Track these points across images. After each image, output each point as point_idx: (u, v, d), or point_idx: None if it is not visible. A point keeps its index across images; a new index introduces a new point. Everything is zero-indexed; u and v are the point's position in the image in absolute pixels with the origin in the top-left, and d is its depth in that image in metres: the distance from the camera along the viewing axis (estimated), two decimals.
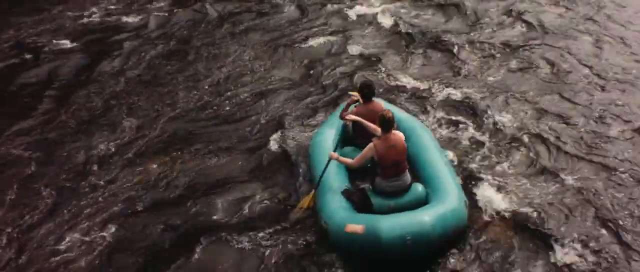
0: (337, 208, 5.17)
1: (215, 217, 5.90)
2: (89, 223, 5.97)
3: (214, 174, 6.60)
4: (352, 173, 5.70)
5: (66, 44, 10.98)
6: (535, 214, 5.52)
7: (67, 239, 5.76)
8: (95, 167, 6.98)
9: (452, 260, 5.05)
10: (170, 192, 6.41)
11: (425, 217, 4.88)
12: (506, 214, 5.55)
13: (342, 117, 5.98)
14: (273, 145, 7.00)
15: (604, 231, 5.28)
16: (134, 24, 11.84)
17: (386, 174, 5.33)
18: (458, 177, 5.79)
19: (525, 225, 5.43)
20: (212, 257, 5.33)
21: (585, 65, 8.72)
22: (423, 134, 6.03)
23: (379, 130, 5.37)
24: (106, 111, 8.43)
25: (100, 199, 6.37)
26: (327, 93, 8.34)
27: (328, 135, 6.08)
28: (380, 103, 6.07)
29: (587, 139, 6.75)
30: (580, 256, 5.02)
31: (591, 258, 4.98)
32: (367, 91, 5.90)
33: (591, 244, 5.12)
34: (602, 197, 5.75)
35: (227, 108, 8.20)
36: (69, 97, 8.91)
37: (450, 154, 6.38)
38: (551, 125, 7.11)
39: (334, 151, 5.71)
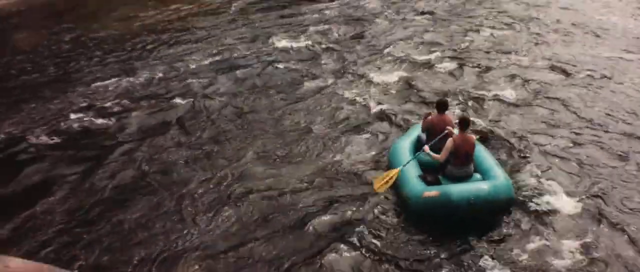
0: (415, 185, 7.06)
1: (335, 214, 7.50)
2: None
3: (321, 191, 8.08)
4: (423, 168, 7.60)
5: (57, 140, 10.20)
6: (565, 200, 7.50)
7: None
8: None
9: (501, 223, 6.99)
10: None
11: (484, 185, 6.89)
12: (538, 199, 7.54)
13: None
14: (367, 147, 9.20)
15: None
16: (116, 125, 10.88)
17: (457, 163, 7.20)
18: (504, 169, 7.60)
19: (554, 210, 7.34)
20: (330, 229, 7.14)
21: None
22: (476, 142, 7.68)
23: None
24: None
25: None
26: (397, 119, 10.22)
27: (406, 142, 8.07)
28: (450, 115, 7.87)
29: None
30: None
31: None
32: (442, 105, 7.76)
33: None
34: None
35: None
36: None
37: (497, 154, 8.53)
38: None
39: (411, 155, 7.65)
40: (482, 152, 7.62)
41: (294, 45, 14.86)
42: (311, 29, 16.05)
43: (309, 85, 11.97)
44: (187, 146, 9.61)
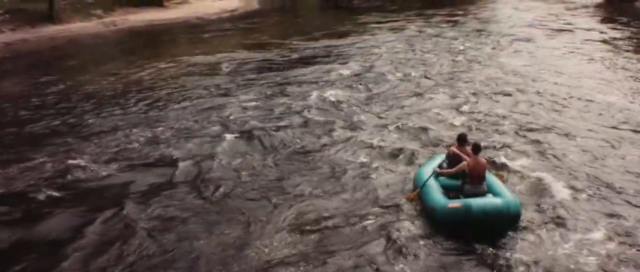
0: (441, 199, 8.32)
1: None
2: None
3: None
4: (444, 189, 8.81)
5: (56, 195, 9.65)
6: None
7: None
8: None
9: (510, 234, 7.99)
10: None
11: (498, 200, 8.08)
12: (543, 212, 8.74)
13: (439, 172, 9.00)
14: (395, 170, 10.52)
15: None
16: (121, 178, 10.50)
17: (472, 182, 8.38)
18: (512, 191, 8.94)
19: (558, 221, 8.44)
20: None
21: None
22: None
23: (454, 171, 8.65)
24: None
25: None
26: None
27: (429, 167, 9.35)
28: (468, 147, 8.94)
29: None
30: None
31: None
32: (462, 138, 9.17)
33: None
34: None
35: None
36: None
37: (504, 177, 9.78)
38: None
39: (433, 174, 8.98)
40: (492, 177, 8.92)
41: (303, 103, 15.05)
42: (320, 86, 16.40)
43: (341, 133, 12.71)
44: (200, 199, 9.46)
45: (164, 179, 10.21)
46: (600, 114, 13.64)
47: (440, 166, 9.21)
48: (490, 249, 7.61)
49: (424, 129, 12.62)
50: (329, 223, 8.49)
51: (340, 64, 20.46)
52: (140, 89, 16.83)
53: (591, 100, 14.78)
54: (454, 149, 9.08)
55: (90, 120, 13.69)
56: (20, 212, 9.05)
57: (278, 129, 12.88)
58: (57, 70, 19.86)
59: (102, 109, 14.79)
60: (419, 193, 8.75)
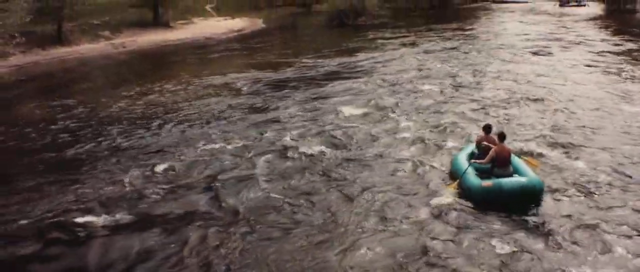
0: (475, 180, 9.47)
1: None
2: None
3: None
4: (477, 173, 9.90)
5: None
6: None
7: None
8: None
9: (535, 208, 9.15)
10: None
11: (523, 179, 9.35)
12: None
13: (471, 162, 10.06)
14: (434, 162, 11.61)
15: None
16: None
17: (499, 166, 9.65)
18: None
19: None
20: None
21: None
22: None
23: (487, 161, 9.72)
24: None
25: None
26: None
27: (463, 155, 10.71)
28: (493, 136, 10.23)
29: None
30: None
31: None
32: (488, 128, 10.52)
33: None
34: None
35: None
36: None
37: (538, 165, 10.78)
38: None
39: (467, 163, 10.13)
40: (516, 160, 10.09)
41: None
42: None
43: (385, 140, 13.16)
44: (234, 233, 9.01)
45: (210, 200, 9.83)
46: (625, 122, 13.81)
47: (471, 154, 10.47)
48: (520, 217, 8.81)
49: (456, 126, 13.76)
50: (390, 206, 9.46)
51: (360, 78, 20.44)
52: (166, 110, 16.44)
53: (613, 109, 14.99)
54: (481, 138, 10.37)
55: (123, 143, 13.27)
56: (74, 238, 8.66)
57: (318, 142, 12.84)
58: (74, 93, 19.50)
59: (131, 131, 14.39)
60: (459, 182, 9.85)
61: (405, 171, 11.02)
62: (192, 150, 12.58)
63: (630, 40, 28.10)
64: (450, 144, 12.41)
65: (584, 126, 13.49)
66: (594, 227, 8.44)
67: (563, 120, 14.08)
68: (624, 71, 20.12)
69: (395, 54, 26.46)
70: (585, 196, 9.54)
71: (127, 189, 10.47)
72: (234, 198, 9.87)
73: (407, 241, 8.27)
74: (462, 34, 33.85)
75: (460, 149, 11.46)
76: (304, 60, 24.93)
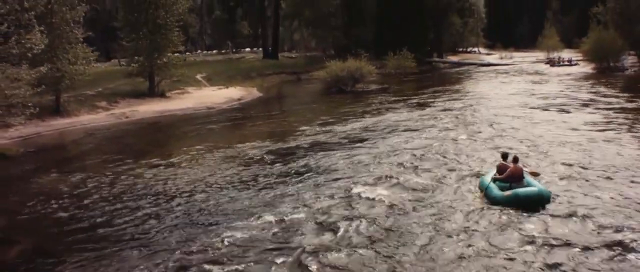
0: (498, 192, 12.23)
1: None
2: None
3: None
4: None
5: None
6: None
7: None
8: None
9: (543, 212, 11.53)
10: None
11: (534, 188, 12.11)
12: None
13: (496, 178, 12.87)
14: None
15: None
16: None
17: (515, 180, 12.36)
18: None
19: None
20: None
21: None
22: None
23: (504, 177, 12.51)
24: None
25: None
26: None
27: (487, 176, 13.19)
28: (510, 161, 13.02)
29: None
30: None
31: None
32: (505, 155, 13.40)
33: None
34: None
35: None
36: None
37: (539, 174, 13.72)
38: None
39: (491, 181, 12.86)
40: (528, 176, 12.84)
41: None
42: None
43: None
44: None
45: None
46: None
47: (493, 175, 13.00)
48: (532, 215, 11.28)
49: (480, 161, 16.02)
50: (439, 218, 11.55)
51: (376, 141, 19.96)
52: (189, 182, 15.06)
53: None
54: (501, 163, 13.09)
55: (152, 219, 12.01)
56: None
57: (349, 206, 12.33)
58: (91, 165, 17.95)
59: (162, 205, 13.05)
60: (484, 193, 12.61)
61: (449, 190, 13.43)
62: (239, 225, 11.38)
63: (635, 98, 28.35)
64: (476, 168, 15.20)
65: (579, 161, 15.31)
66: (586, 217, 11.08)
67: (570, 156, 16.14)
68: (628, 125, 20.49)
69: (404, 116, 26.19)
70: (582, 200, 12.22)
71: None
72: None
73: (457, 225, 11.04)
74: (468, 94, 33.75)
75: (485, 173, 13.96)
76: (316, 128, 23.60)
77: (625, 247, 9.62)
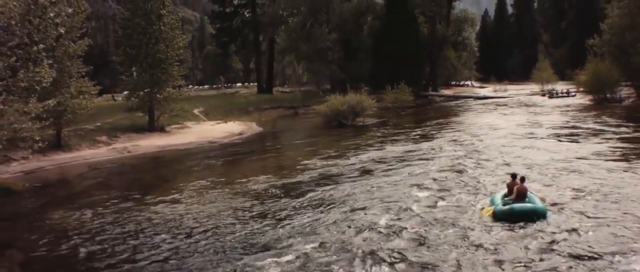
0: (503, 206, 13.45)
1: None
2: None
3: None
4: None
5: None
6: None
7: None
8: None
9: (540, 225, 12.73)
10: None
11: (531, 205, 13.34)
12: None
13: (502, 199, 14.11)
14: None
15: None
16: None
17: (518, 198, 13.50)
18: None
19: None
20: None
21: None
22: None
23: (513, 197, 13.67)
24: None
25: None
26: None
27: (498, 195, 14.37)
28: (517, 181, 14.14)
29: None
30: None
31: None
32: (514, 175, 14.44)
33: None
34: None
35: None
36: None
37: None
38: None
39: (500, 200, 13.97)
40: (532, 195, 13.87)
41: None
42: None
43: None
44: None
45: None
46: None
47: (504, 194, 14.18)
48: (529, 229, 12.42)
49: (492, 185, 16.83)
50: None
51: (389, 171, 19.83)
52: (200, 217, 14.70)
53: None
54: (510, 182, 14.21)
55: (170, 258, 11.67)
56: None
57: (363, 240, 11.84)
58: (99, 200, 17.43)
59: (177, 242, 12.70)
60: (493, 212, 13.58)
61: (464, 210, 14.42)
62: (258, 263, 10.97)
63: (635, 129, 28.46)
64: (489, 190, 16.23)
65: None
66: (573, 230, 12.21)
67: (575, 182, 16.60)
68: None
69: (409, 147, 26.07)
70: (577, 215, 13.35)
71: None
72: None
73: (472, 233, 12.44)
74: (473, 126, 33.68)
75: (496, 192, 15.08)
76: (320, 162, 23.17)
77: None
